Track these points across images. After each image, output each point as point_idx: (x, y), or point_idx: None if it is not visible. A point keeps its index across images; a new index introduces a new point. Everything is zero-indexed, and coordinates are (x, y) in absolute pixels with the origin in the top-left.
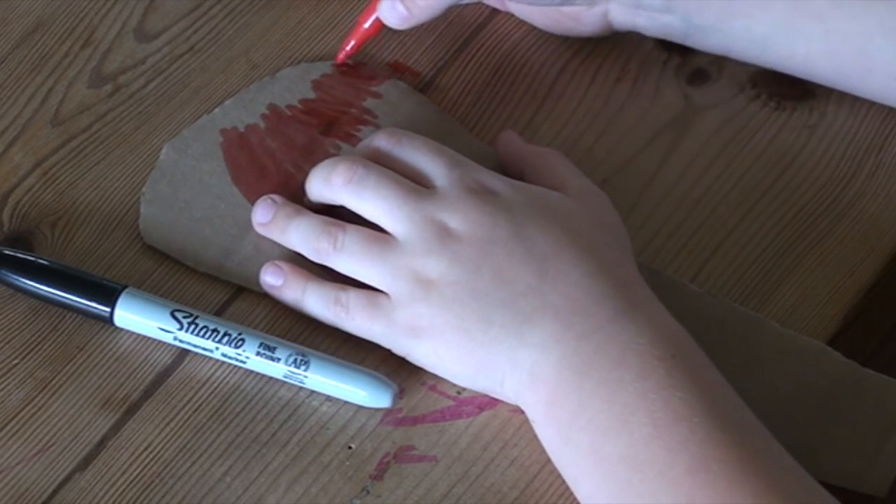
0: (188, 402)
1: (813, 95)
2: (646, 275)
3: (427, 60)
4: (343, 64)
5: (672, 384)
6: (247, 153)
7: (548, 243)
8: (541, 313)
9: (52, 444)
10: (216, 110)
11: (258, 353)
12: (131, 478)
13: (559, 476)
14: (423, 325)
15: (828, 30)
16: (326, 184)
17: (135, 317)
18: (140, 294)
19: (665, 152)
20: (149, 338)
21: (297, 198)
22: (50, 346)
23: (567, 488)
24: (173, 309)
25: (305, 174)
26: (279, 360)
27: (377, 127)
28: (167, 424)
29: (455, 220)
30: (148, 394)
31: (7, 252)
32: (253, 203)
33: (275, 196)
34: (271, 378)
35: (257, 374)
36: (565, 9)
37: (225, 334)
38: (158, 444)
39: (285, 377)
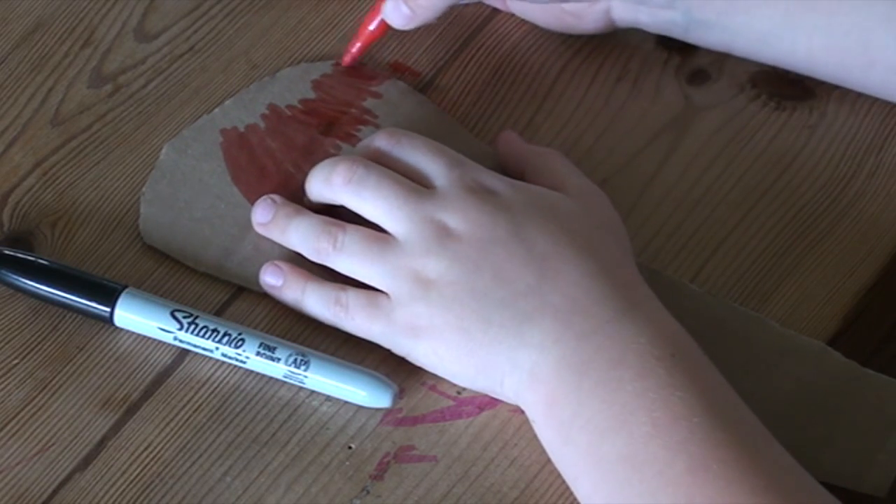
0: (188, 402)
1: (813, 95)
2: (646, 275)
3: (427, 60)
4: (349, 66)
5: (671, 384)
6: (247, 153)
7: (547, 243)
8: (540, 313)
9: (52, 444)
10: (216, 110)
11: (258, 353)
12: (131, 478)
13: (559, 476)
14: (422, 325)
15: (830, 24)
16: (326, 183)
17: (135, 317)
18: (140, 294)
19: (665, 152)
20: (149, 338)
21: (297, 198)
22: (50, 346)
23: (567, 488)
24: (173, 309)
25: (305, 174)
26: (279, 360)
27: (377, 127)
28: (167, 424)
29: (455, 220)
30: (148, 394)
31: (7, 252)
32: (253, 203)
33: (274, 196)
34: (271, 378)
35: (257, 374)
36: (567, 6)
37: (225, 334)
38: (158, 444)
39: (285, 377)
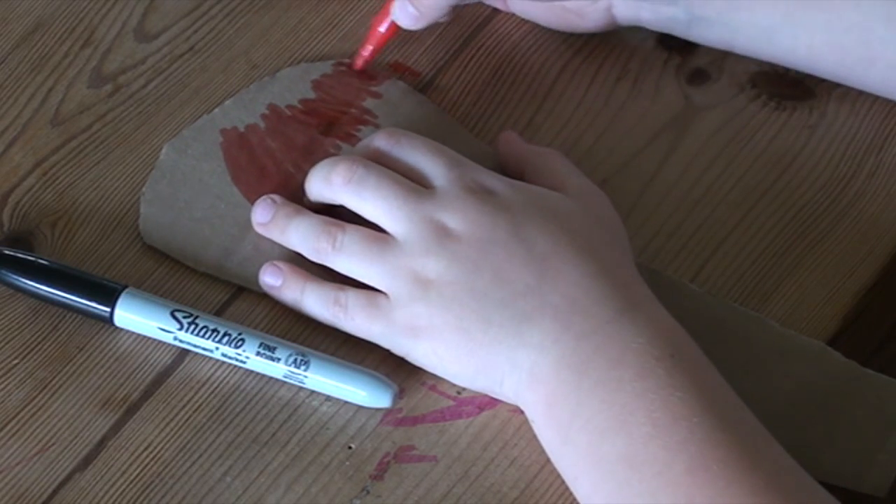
0: (188, 402)
1: (813, 95)
2: (646, 275)
3: (427, 60)
4: (362, 70)
5: (671, 384)
6: (247, 153)
7: (547, 243)
8: (540, 313)
9: (52, 444)
10: (216, 110)
11: (258, 353)
12: (131, 478)
13: (559, 476)
14: (422, 325)
15: (831, 21)
16: (326, 183)
17: (135, 317)
18: (140, 294)
19: (665, 152)
20: (149, 338)
21: (296, 198)
22: (50, 346)
23: (567, 488)
24: (173, 309)
25: (305, 174)
26: (279, 360)
27: (377, 127)
28: (167, 424)
29: (454, 220)
30: (148, 394)
31: (7, 252)
32: (253, 203)
33: (274, 196)
34: (271, 378)
35: (257, 374)
36: (569, 4)
37: (225, 334)
38: (158, 444)
39: (285, 377)
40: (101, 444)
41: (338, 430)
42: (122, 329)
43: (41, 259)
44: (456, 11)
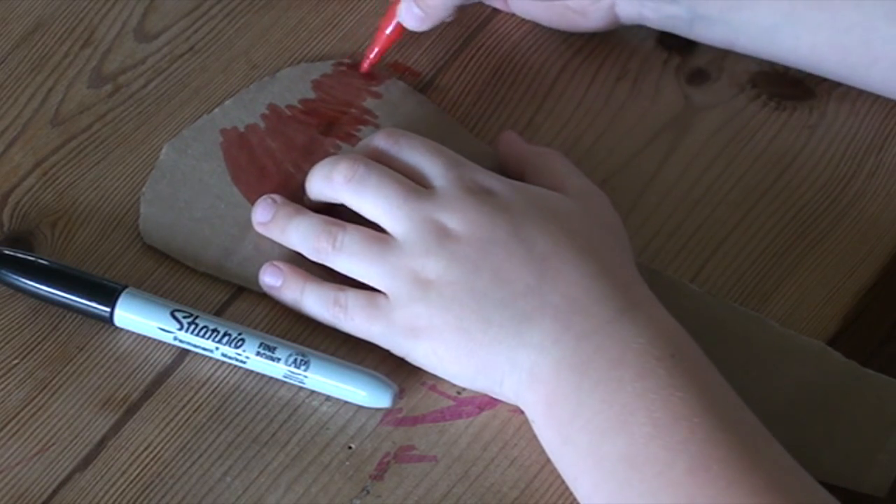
0: (188, 402)
1: (813, 95)
2: (646, 275)
3: (427, 60)
4: (368, 73)
5: (672, 384)
6: (247, 153)
7: (547, 243)
8: (540, 313)
9: (52, 444)
10: (216, 110)
11: (258, 353)
12: (131, 478)
13: (559, 476)
14: (421, 326)
15: (833, 20)
16: (327, 181)
17: (135, 317)
18: (140, 294)
19: (665, 152)
20: (149, 338)
21: (297, 198)
22: (50, 346)
23: (567, 488)
24: (173, 309)
25: (305, 174)
26: (279, 360)
27: (377, 127)
28: (167, 424)
29: (454, 221)
30: (148, 394)
31: (7, 252)
32: (253, 203)
33: (275, 196)
34: (271, 378)
35: (257, 374)
36: (571, 3)
37: (225, 334)
38: (158, 444)
39: (285, 377)
40: (101, 444)
41: (338, 430)
42: (122, 329)
43: (41, 259)
44: (459, 11)
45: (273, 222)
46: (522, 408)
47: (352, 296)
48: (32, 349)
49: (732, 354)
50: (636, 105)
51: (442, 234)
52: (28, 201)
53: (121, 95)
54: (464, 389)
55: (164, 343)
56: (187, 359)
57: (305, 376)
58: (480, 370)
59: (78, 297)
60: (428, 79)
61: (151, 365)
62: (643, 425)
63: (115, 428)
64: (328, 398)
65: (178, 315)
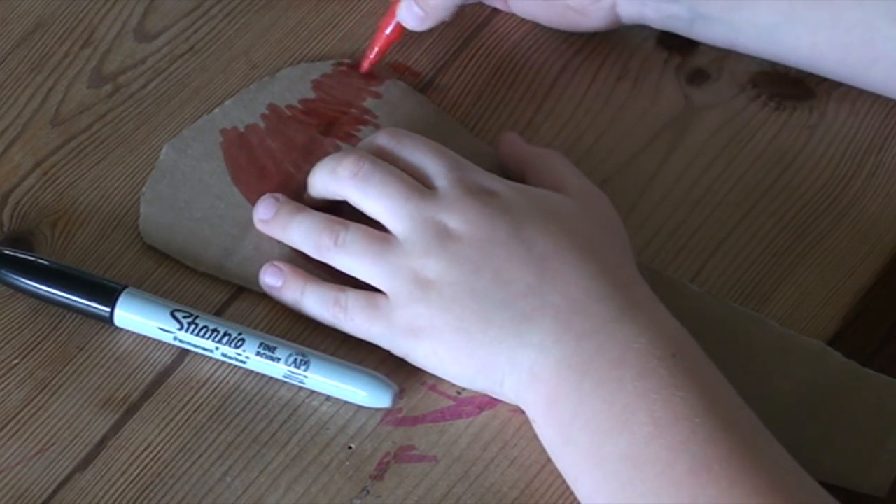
0: (188, 402)
1: (813, 95)
2: (646, 275)
3: (427, 60)
4: (368, 73)
5: (673, 384)
6: (247, 153)
7: (547, 244)
8: (540, 313)
9: (52, 444)
10: (216, 110)
11: (258, 353)
12: (131, 478)
13: (559, 476)
14: (422, 326)
15: (833, 20)
16: (332, 175)
17: (135, 317)
18: (140, 294)
19: (665, 152)
20: (149, 338)
21: (297, 198)
22: (50, 346)
23: (567, 488)
24: (173, 309)
25: (305, 174)
26: (279, 360)
27: (377, 127)
28: (167, 424)
29: (455, 221)
30: (148, 394)
31: (7, 252)
32: (253, 203)
33: (277, 194)
34: (271, 378)
35: (257, 374)
36: (572, 3)
37: (225, 334)
38: (158, 444)
39: (285, 377)
40: (101, 444)
41: (338, 430)
42: (122, 329)
43: (41, 259)
44: (458, 11)
45: (275, 220)
46: (523, 408)
47: (352, 296)
48: (32, 349)
49: (732, 354)
50: (636, 105)
51: (443, 235)
52: (28, 201)
53: (121, 95)
54: (464, 389)
55: (164, 343)
56: (187, 359)
57: (305, 376)
58: (481, 370)
59: (78, 297)
60: (428, 79)
61: (151, 365)
62: (644, 425)
63: (115, 428)
64: (328, 398)
65: (178, 315)
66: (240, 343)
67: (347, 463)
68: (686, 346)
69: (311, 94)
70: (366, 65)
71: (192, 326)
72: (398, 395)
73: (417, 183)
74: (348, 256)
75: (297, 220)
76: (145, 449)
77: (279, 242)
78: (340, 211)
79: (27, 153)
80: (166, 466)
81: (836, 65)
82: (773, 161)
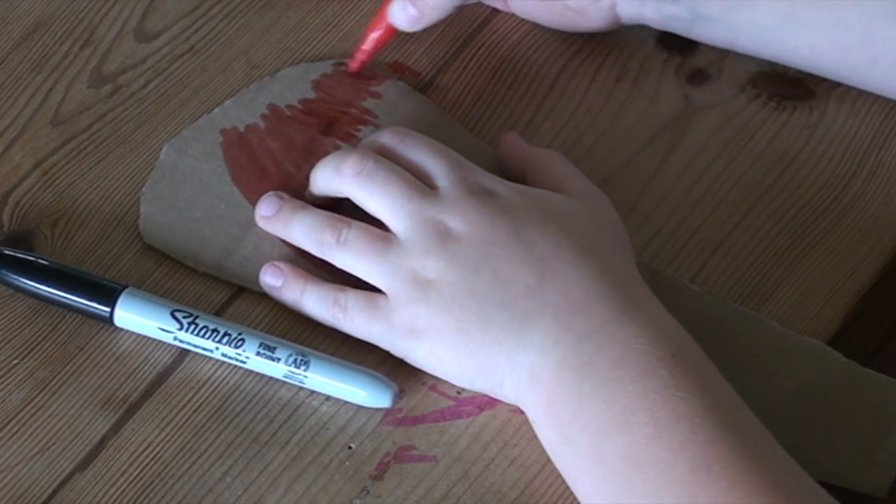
0: (188, 402)
1: (813, 95)
2: (646, 275)
3: (427, 60)
4: (358, 72)
5: (673, 384)
6: (247, 153)
7: (547, 244)
8: (540, 314)
9: (52, 444)
10: (216, 110)
11: (258, 353)
12: (131, 478)
13: (559, 476)
14: (421, 327)
15: (833, 20)
16: (336, 172)
17: (135, 317)
18: (140, 294)
19: (665, 152)
20: (149, 338)
21: (297, 198)
22: (50, 346)
23: (567, 488)
24: (173, 309)
25: (305, 174)
26: (279, 360)
27: (377, 127)
28: (167, 424)
29: (455, 221)
30: (148, 394)
31: (7, 252)
32: (253, 203)
33: (280, 193)
34: (271, 378)
35: (257, 374)
36: (571, 3)
37: (225, 334)
38: (158, 444)
39: (285, 377)
40: (101, 444)
41: (338, 430)
42: (122, 329)
43: (41, 259)
44: (456, 11)
45: (277, 217)
46: (523, 408)
47: (351, 296)
48: (32, 349)
49: (732, 354)
50: (636, 105)
51: (443, 235)
52: (28, 201)
53: (121, 95)
54: (464, 389)
55: (164, 343)
56: (187, 359)
57: (305, 376)
58: (480, 371)
59: (78, 297)
60: (428, 79)
61: (151, 365)
62: (644, 425)
63: (115, 428)
64: (328, 398)
65: (178, 315)
66: (240, 343)
67: (347, 463)
68: (686, 346)
69: (311, 94)
70: (354, 65)
71: (192, 326)
72: (398, 395)
73: (420, 183)
74: (350, 254)
75: (299, 217)
76: (145, 449)
77: (279, 242)
78: (342, 210)
79: (27, 153)
80: (166, 466)
81: (836, 65)
82: (773, 161)
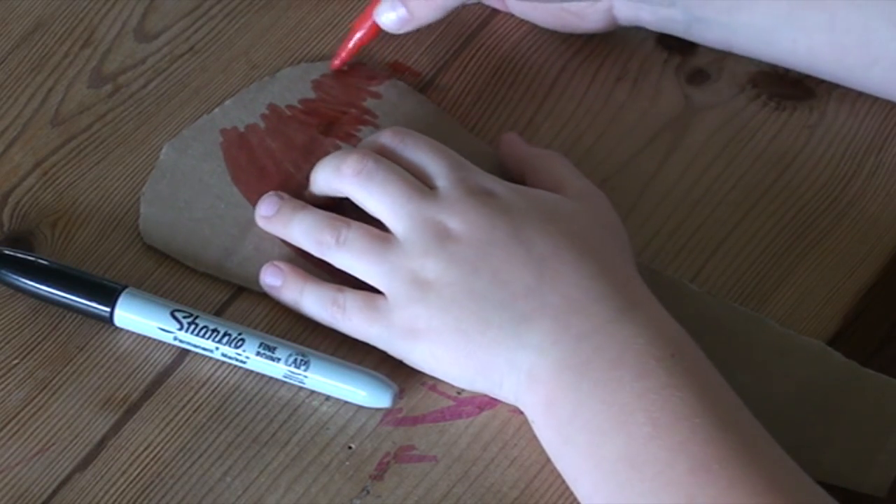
0: (188, 402)
1: (813, 95)
2: (646, 275)
3: (427, 60)
4: (337, 70)
5: (671, 384)
6: (247, 153)
7: (546, 245)
8: (539, 314)
9: (52, 444)
10: (216, 110)
11: (258, 353)
12: (131, 478)
13: (559, 476)
14: (420, 327)
15: (831, 21)
16: (336, 172)
17: (135, 317)
18: (140, 294)
19: (665, 152)
20: (149, 338)
21: (297, 198)
22: (50, 346)
23: (567, 488)
24: (173, 309)
25: (305, 174)
26: (279, 360)
27: (377, 127)
28: (167, 424)
29: (454, 222)
30: (148, 394)
31: (7, 252)
32: (253, 203)
33: (281, 193)
34: (271, 378)
35: (257, 374)
36: (569, 5)
37: (225, 334)
38: (158, 444)
39: (285, 377)
40: (101, 444)
41: (338, 430)
42: (122, 329)
43: (41, 259)
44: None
45: (277, 216)
46: (522, 409)
47: (350, 296)
48: (32, 349)
49: (732, 354)
50: (636, 105)
51: (442, 235)
52: (28, 201)
53: (121, 95)
54: (464, 389)
55: (164, 343)
56: (187, 359)
57: (305, 376)
58: (479, 372)
59: (78, 297)
60: (428, 79)
61: (151, 365)
62: (643, 425)
63: (115, 428)
64: (328, 398)
65: (178, 315)
66: (240, 343)
67: (347, 463)
68: (685, 346)
69: (312, 94)
70: (336, 62)
71: (192, 326)
72: (398, 395)
73: (419, 183)
74: (349, 255)
75: (298, 217)
76: (145, 449)
77: (280, 242)
78: (342, 210)
79: (27, 153)
80: (166, 466)
81: (834, 67)
82: (773, 161)
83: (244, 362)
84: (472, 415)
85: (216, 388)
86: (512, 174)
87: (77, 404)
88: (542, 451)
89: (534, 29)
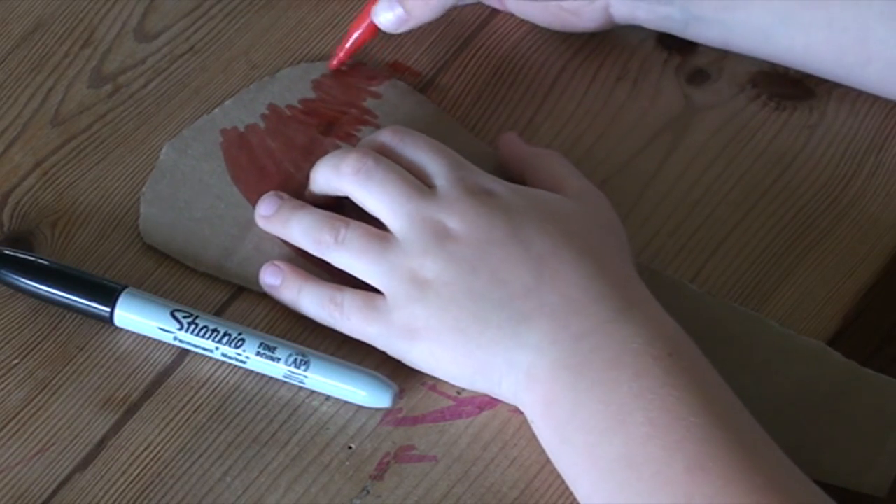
0: (188, 402)
1: (813, 95)
2: (646, 275)
3: (427, 60)
4: (337, 70)
5: (669, 383)
6: (247, 153)
7: (545, 244)
8: (538, 313)
9: (52, 444)
10: (216, 110)
11: (258, 353)
12: (131, 478)
13: (559, 476)
14: (419, 327)
15: (828, 20)
16: (335, 171)
17: (135, 317)
18: (140, 294)
19: (665, 152)
20: (149, 338)
21: (297, 198)
22: (50, 346)
23: (567, 488)
24: (173, 309)
25: (305, 174)
26: (279, 360)
27: (377, 127)
28: (167, 424)
29: (453, 221)
30: (148, 394)
31: (7, 252)
32: (253, 203)
33: (281, 193)
34: (271, 378)
35: (257, 374)
36: (566, 4)
37: (225, 334)
38: (158, 444)
39: (285, 377)
40: (101, 444)
41: (338, 430)
42: (122, 329)
43: (41, 259)
44: (454, 12)
45: (276, 216)
46: (521, 408)
47: (349, 296)
48: (32, 349)
49: (732, 354)
50: (636, 105)
51: (441, 235)
52: (28, 201)
53: (121, 95)
54: (464, 389)
55: (164, 343)
56: (187, 359)
57: (305, 376)
58: (478, 371)
59: (78, 297)
60: (428, 79)
61: (151, 365)
62: (640, 425)
63: (115, 428)
64: (328, 398)
65: (178, 315)
66: (240, 343)
67: (347, 463)
68: (683, 345)
69: (311, 94)
70: (334, 63)
71: (192, 326)
72: (398, 395)
73: (419, 182)
74: (348, 254)
75: (297, 217)
76: (145, 449)
77: (279, 242)
78: (342, 210)
79: (27, 153)
80: (166, 466)
81: (832, 65)
82: (773, 161)
83: (244, 362)
84: (472, 415)
85: (216, 388)
86: (511, 174)
87: (77, 404)
88: (542, 452)
89: (534, 29)
